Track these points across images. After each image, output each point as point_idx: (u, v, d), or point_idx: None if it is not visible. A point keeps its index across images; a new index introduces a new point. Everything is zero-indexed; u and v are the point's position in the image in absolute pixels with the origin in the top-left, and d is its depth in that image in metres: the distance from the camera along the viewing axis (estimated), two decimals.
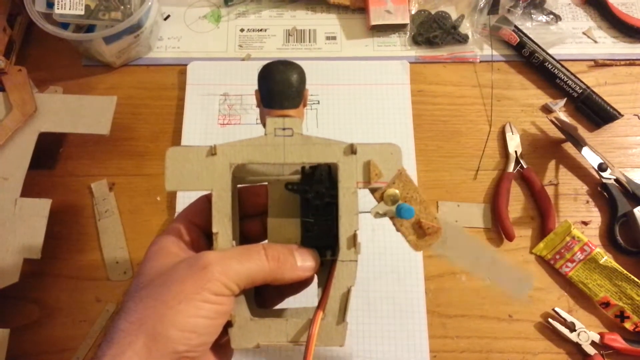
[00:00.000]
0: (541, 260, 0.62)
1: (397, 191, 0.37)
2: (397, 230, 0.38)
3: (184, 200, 0.64)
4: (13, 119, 0.60)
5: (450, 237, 0.39)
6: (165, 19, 0.75)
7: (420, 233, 0.38)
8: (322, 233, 0.38)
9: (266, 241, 0.40)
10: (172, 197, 0.65)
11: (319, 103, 0.70)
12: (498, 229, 0.63)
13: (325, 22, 0.76)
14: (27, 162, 0.59)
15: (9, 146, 0.59)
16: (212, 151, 0.37)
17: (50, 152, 0.67)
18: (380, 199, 0.37)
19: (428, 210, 0.38)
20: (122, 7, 0.65)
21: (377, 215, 0.38)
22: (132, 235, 0.63)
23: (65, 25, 0.67)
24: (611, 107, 0.67)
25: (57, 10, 0.63)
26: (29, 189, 0.58)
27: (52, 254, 0.61)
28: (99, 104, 0.62)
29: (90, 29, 0.67)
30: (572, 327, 0.58)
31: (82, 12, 0.64)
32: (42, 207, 0.57)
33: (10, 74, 0.63)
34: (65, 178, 0.66)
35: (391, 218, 0.38)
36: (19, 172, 0.58)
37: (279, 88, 0.38)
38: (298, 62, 0.39)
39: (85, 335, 0.59)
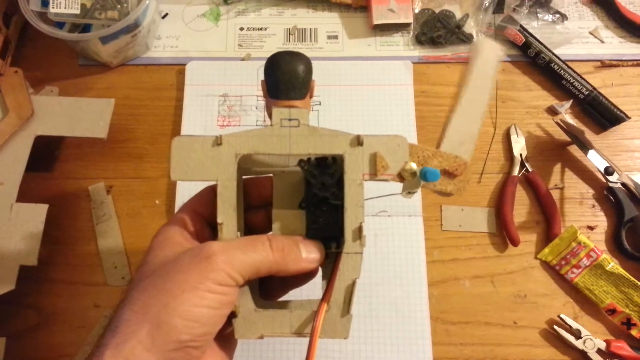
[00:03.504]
0: (546, 265, 0.61)
1: (412, 164, 0.37)
2: (434, 191, 0.39)
3: (183, 203, 0.63)
4: (9, 123, 0.58)
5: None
6: (163, 17, 0.74)
7: (453, 178, 0.39)
8: (327, 225, 0.38)
9: (271, 232, 0.40)
10: (171, 200, 0.64)
11: (320, 104, 0.68)
12: (503, 233, 0.62)
13: (327, 21, 0.74)
14: (23, 167, 0.58)
15: (4, 150, 0.58)
16: (218, 141, 0.37)
17: (46, 154, 0.66)
18: (401, 179, 0.37)
19: (445, 156, 0.38)
20: (119, 5, 0.63)
21: (409, 194, 0.38)
22: (131, 239, 0.63)
23: (60, 25, 0.65)
24: (618, 109, 0.66)
25: (52, 9, 0.62)
26: (25, 192, 0.57)
27: (48, 259, 0.60)
28: (97, 107, 0.61)
29: (86, 28, 0.66)
30: (577, 334, 0.58)
31: (78, 12, 0.63)
32: (38, 212, 0.56)
33: (6, 76, 0.62)
34: (62, 181, 0.65)
35: (423, 187, 0.38)
36: (15, 177, 0.57)
37: (286, 78, 0.38)
38: (297, 51, 0.39)
39: (83, 341, 0.58)
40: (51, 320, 0.59)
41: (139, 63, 0.71)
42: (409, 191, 0.38)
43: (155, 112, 0.69)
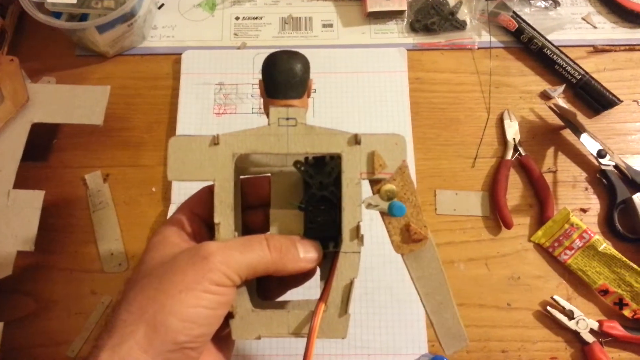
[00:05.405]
0: (540, 248, 0.62)
1: (394, 188, 0.37)
2: (385, 226, 0.38)
3: (180, 191, 0.63)
4: (5, 110, 0.59)
5: (427, 257, 0.38)
6: (159, 7, 0.74)
7: (406, 237, 0.38)
8: (325, 224, 0.38)
9: (269, 232, 0.40)
10: (167, 188, 0.64)
11: (315, 92, 0.69)
12: (496, 216, 0.63)
13: (322, 10, 0.75)
14: (19, 153, 0.58)
15: (1, 137, 0.58)
16: (215, 141, 0.37)
17: (43, 143, 0.66)
18: (377, 192, 0.37)
19: (420, 217, 0.38)
20: None
21: (369, 206, 0.37)
22: (127, 226, 0.63)
23: (57, 15, 0.66)
24: (610, 93, 0.67)
25: None
26: (22, 181, 0.58)
27: (46, 247, 0.61)
28: (92, 94, 0.61)
29: (83, 17, 0.66)
30: (570, 315, 0.58)
31: (75, 1, 0.63)
32: (35, 198, 0.56)
33: (1, 64, 0.62)
34: (58, 169, 0.65)
35: (382, 213, 0.38)
36: (12, 163, 0.57)
37: (283, 78, 0.37)
38: (295, 50, 0.39)
39: (80, 327, 0.58)
40: (48, 307, 0.60)
41: (135, 53, 0.72)
42: (370, 203, 0.37)
43: (152, 101, 0.69)
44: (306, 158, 0.39)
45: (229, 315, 0.36)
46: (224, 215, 0.36)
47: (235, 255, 0.34)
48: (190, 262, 0.33)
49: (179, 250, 0.35)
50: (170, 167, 0.37)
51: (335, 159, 0.38)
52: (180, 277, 0.32)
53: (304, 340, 0.35)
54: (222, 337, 0.37)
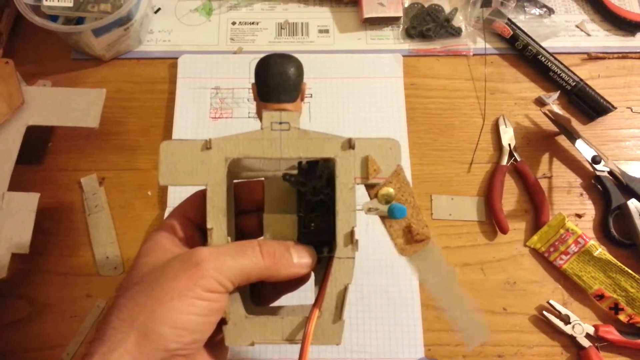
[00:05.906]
0: (535, 253, 0.62)
1: (392, 190, 0.37)
2: (386, 230, 0.38)
3: (175, 195, 0.63)
4: None
5: (432, 257, 0.38)
6: (156, 11, 0.74)
7: (409, 238, 0.38)
8: (319, 229, 0.38)
9: (262, 237, 0.39)
10: (163, 191, 0.64)
11: (311, 96, 0.69)
12: (492, 222, 0.63)
13: (318, 15, 0.75)
14: (14, 156, 0.57)
15: None
16: (207, 145, 0.36)
17: (38, 146, 0.66)
18: (375, 196, 0.37)
19: (420, 217, 0.38)
20: None
21: (369, 211, 0.37)
22: (123, 230, 0.63)
23: (54, 18, 0.65)
24: (604, 99, 0.67)
25: (45, 2, 0.62)
26: (17, 185, 0.57)
27: (41, 250, 0.60)
28: (88, 97, 0.61)
29: (79, 21, 0.66)
30: (566, 320, 0.58)
31: (71, 4, 0.63)
32: (30, 201, 0.56)
33: None
34: (54, 173, 0.65)
35: (382, 217, 0.38)
36: (7, 166, 0.57)
37: (276, 81, 0.37)
38: (288, 53, 0.39)
39: (75, 331, 0.58)
40: (43, 310, 0.59)
41: (131, 57, 0.72)
42: (370, 208, 0.37)
43: (148, 105, 0.69)
44: (298, 164, 0.39)
45: (222, 322, 0.36)
46: (217, 220, 0.36)
47: (228, 261, 0.33)
48: (182, 268, 0.32)
49: (171, 256, 0.35)
50: (161, 172, 0.37)
51: (326, 161, 0.38)
52: (172, 284, 0.32)
53: (299, 345, 0.35)
54: (216, 343, 0.37)
